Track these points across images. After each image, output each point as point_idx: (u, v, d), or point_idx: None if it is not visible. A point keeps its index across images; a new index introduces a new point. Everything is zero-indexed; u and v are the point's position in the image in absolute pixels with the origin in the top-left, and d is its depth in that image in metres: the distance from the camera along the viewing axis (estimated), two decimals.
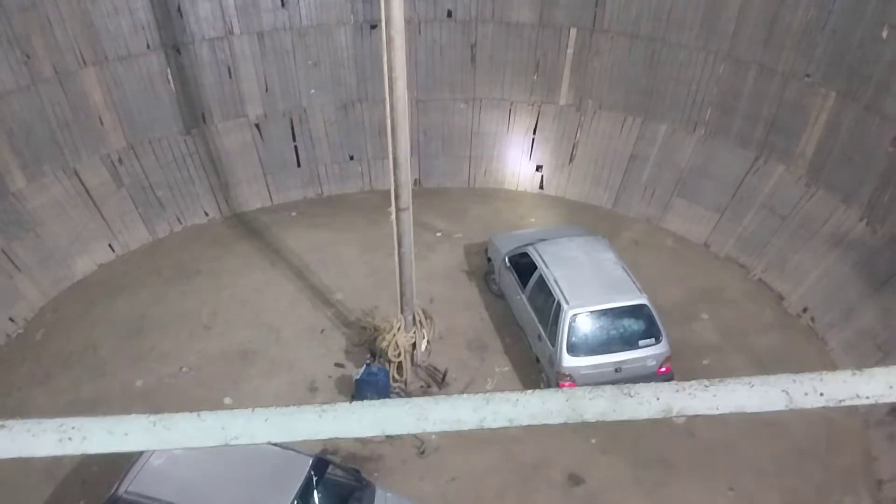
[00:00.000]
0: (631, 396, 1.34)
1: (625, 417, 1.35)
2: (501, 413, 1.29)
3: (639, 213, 14.32)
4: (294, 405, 1.34)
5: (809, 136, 12.41)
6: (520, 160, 15.38)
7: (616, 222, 14.13)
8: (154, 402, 10.54)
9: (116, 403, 10.55)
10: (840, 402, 1.32)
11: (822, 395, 1.32)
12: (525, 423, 1.31)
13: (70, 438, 1.25)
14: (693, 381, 1.40)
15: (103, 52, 12.82)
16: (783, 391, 1.33)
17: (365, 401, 1.35)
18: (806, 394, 1.32)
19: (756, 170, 13.14)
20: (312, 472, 7.90)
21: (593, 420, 1.34)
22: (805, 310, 11.99)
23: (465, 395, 1.31)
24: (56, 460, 9.50)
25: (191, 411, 1.32)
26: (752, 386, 1.35)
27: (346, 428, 1.26)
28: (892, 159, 11.22)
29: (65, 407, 10.47)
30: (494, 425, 1.29)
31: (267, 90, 14.50)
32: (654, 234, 13.92)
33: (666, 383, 1.41)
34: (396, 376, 10.72)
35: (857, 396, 1.34)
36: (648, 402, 1.34)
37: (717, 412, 1.33)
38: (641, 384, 1.39)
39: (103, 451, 1.26)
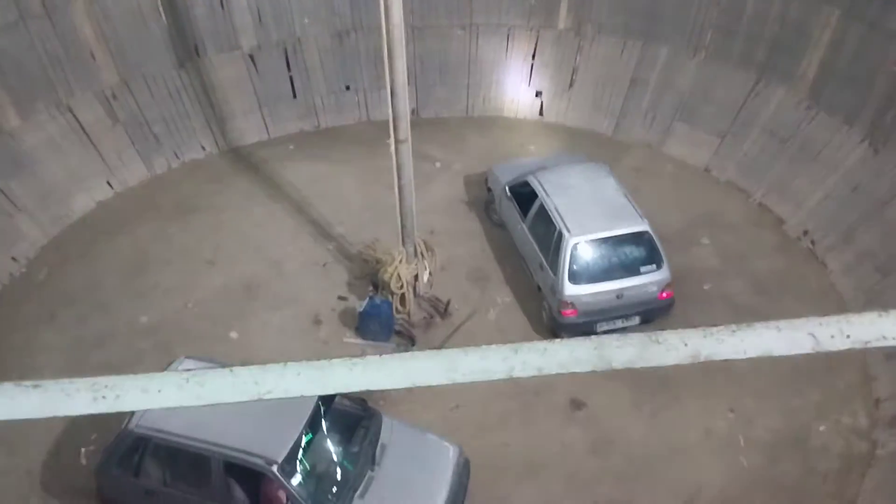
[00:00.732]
0: (659, 343, 1.35)
1: (653, 364, 1.36)
2: (530, 362, 1.30)
3: (639, 138, 14.20)
4: (325, 359, 1.35)
5: (811, 58, 12.23)
6: (519, 87, 15.16)
7: (617, 149, 14.02)
8: (160, 338, 10.66)
9: (122, 340, 10.68)
10: (866, 343, 1.33)
11: (848, 337, 1.34)
12: (554, 371, 1.33)
13: (104, 397, 1.27)
14: (721, 326, 1.41)
15: None
16: (809, 334, 1.34)
17: (395, 353, 1.36)
18: (832, 336, 1.34)
19: (757, 93, 12.98)
20: (320, 403, 8.06)
21: (621, 367, 1.35)
22: (805, 233, 12.02)
23: (493, 346, 1.32)
24: None
25: (220, 363, 1.32)
26: (780, 330, 1.36)
27: (377, 380, 1.28)
28: None
29: (72, 344, 10.61)
30: (523, 374, 1.31)
31: (260, 20, 14.18)
32: (655, 160, 13.83)
33: (693, 329, 1.42)
34: (399, 308, 10.81)
35: (884, 338, 1.35)
36: (676, 348, 1.35)
37: (744, 356, 1.34)
38: (669, 331, 1.40)
39: (137, 409, 1.27)
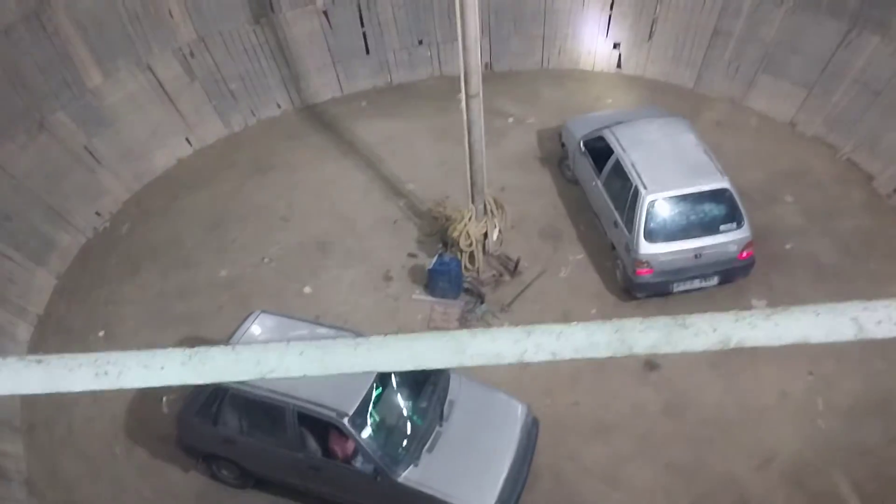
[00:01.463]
0: (685, 327, 1.25)
1: (679, 350, 1.27)
2: (543, 346, 1.24)
3: (721, 91, 13.65)
4: (329, 339, 1.32)
5: None
6: (596, 38, 14.72)
7: (697, 102, 13.52)
8: (239, 291, 10.95)
9: (203, 293, 11.01)
10: None
11: None
12: (568, 356, 1.26)
13: (106, 373, 1.27)
14: (754, 311, 1.30)
15: None
16: (853, 319, 1.22)
17: (399, 334, 1.32)
18: (879, 322, 1.21)
19: (848, 43, 12.25)
20: None
21: (643, 353, 1.27)
22: None
23: (504, 328, 1.26)
24: None
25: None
26: (818, 315, 1.24)
27: (382, 361, 1.24)
28: None
29: (154, 296, 11.02)
30: (535, 359, 1.24)
31: None
32: (738, 114, 13.29)
33: (724, 313, 1.31)
34: (468, 265, 10.79)
35: None
36: (705, 333, 1.25)
37: (778, 343, 1.24)
38: (696, 315, 1.30)
39: (140, 386, 1.28)
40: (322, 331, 8.69)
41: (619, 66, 14.66)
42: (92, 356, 1.27)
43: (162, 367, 1.27)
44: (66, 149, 12.03)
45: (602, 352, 1.28)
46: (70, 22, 11.97)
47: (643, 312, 10.12)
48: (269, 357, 1.24)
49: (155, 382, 1.28)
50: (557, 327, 1.26)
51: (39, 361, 1.28)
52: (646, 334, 1.26)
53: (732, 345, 1.26)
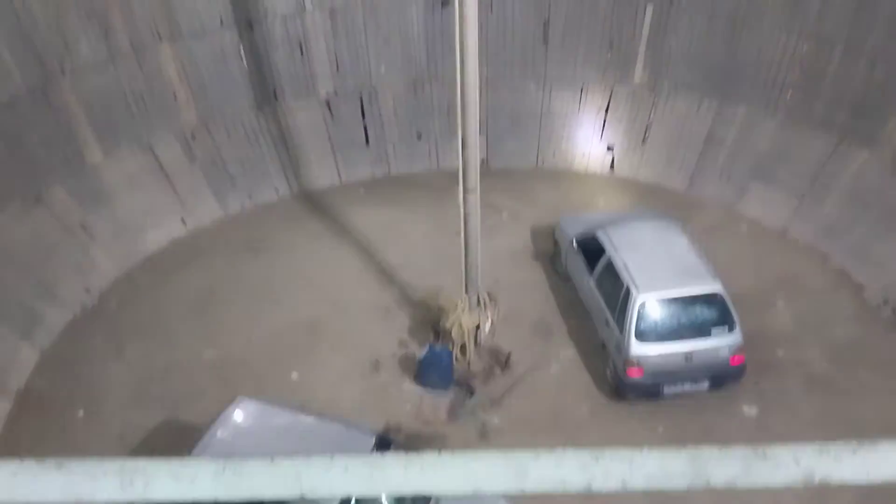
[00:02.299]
0: (766, 459, 1.18)
1: (759, 484, 1.20)
2: (613, 473, 1.16)
3: (714, 196, 13.87)
4: (377, 455, 1.23)
5: None
6: (590, 141, 15.04)
7: (690, 206, 13.71)
8: (223, 375, 10.73)
9: (186, 375, 10.78)
10: None
11: None
12: (640, 485, 1.18)
13: (132, 483, 1.17)
14: (839, 443, 1.23)
15: (178, 28, 12.97)
16: None
17: (457, 451, 1.23)
18: None
19: (838, 154, 12.55)
20: (376, 452, 7.92)
21: (721, 486, 1.20)
22: (886, 301, 11.47)
23: (570, 451, 1.18)
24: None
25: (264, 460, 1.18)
26: None
27: (434, 482, 1.16)
28: None
29: (137, 377, 10.78)
30: (604, 488, 1.17)
31: (338, 68, 14.48)
32: (730, 219, 13.46)
33: (806, 444, 1.24)
34: (459, 357, 10.66)
35: None
36: (786, 466, 1.18)
37: (866, 480, 1.17)
38: (779, 446, 1.23)
39: (169, 499, 1.19)
40: (307, 420, 8.47)
41: (612, 168, 14.93)
42: (117, 463, 1.18)
43: (192, 480, 1.18)
44: (60, 223, 12.00)
45: (677, 482, 1.20)
46: (76, 99, 12.13)
47: (635, 413, 9.98)
48: (310, 472, 1.15)
49: (184, 496, 1.19)
50: (628, 453, 1.18)
51: (60, 467, 1.18)
52: (724, 465, 1.18)
53: (817, 480, 1.19)
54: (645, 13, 13.88)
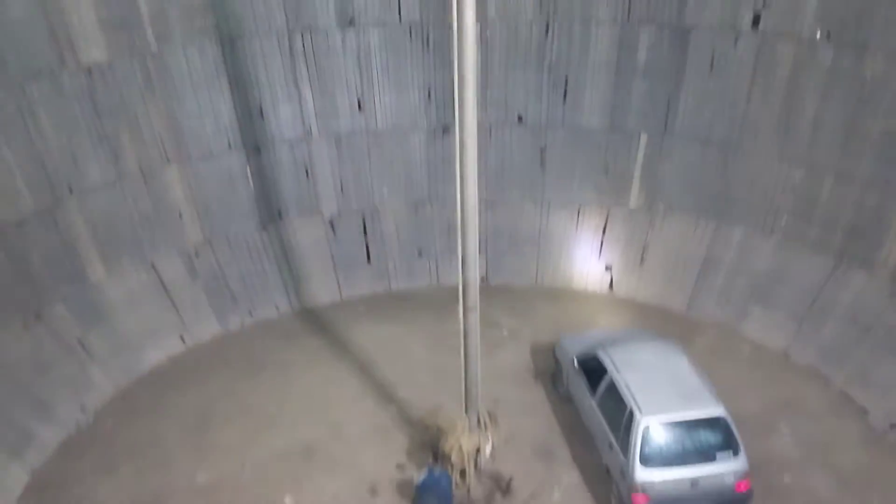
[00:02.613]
0: None
1: None
2: None
3: (714, 318, 13.91)
4: None
5: (892, 245, 11.97)
6: (588, 260, 15.23)
7: (690, 327, 13.73)
8: (216, 498, 10.49)
9: (178, 498, 10.53)
10: None
11: None
12: None
13: None
14: None
15: (187, 151, 13.37)
16: None
17: None
18: None
19: (836, 277, 12.68)
20: None
21: None
22: (892, 426, 11.32)
23: None
24: None
25: None
26: None
27: None
28: None
29: (128, 500, 10.48)
30: None
31: (342, 190, 14.85)
32: (730, 341, 13.45)
33: None
34: (459, 482, 10.40)
35: None
36: None
37: None
38: None
39: None
40: None
41: (611, 287, 15.05)
42: None
43: None
44: (59, 341, 11.99)
45: None
46: (82, 218, 12.34)
47: None
48: None
49: None
50: None
51: None
52: None
53: None
54: (639, 140, 14.35)
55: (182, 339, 13.52)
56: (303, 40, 13.67)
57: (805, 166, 12.85)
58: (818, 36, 12.14)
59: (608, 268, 15.11)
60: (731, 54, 13.04)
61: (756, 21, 12.64)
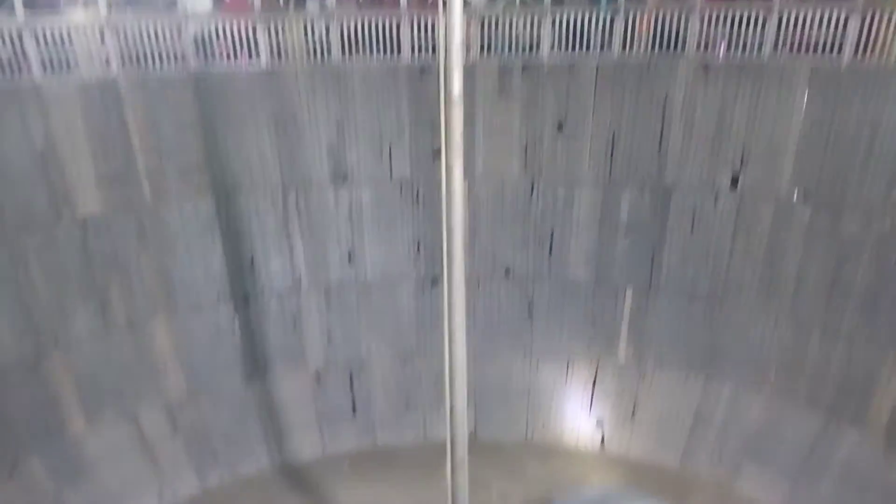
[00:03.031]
0: None
1: None
2: None
3: (708, 475, 13.54)
4: None
5: (882, 401, 11.88)
6: (579, 414, 14.98)
7: (684, 485, 13.33)
8: None
9: None
10: None
11: None
12: None
13: None
14: None
15: (175, 302, 13.40)
16: None
17: None
18: None
19: (828, 434, 12.48)
20: None
21: None
22: None
23: None
24: None
25: None
26: None
27: None
28: None
29: None
30: None
31: (329, 341, 14.79)
32: (725, 499, 13.02)
33: None
34: None
35: None
36: None
37: None
38: None
39: None
40: None
41: (602, 443, 14.73)
42: None
43: None
44: (33, 500, 11.47)
45: None
46: (66, 369, 12.19)
47: None
48: None
49: None
50: None
51: None
52: None
53: None
54: (625, 294, 14.51)
55: (159, 495, 12.99)
56: (297, 195, 14.05)
57: (791, 321, 12.95)
58: (795, 196, 12.60)
59: (599, 423, 14.85)
60: (711, 212, 13.45)
61: (735, 182, 13.14)
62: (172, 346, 13.45)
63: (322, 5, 13.90)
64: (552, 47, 13.65)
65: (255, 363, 14.32)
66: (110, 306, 12.64)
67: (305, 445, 14.53)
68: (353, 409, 14.94)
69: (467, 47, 13.31)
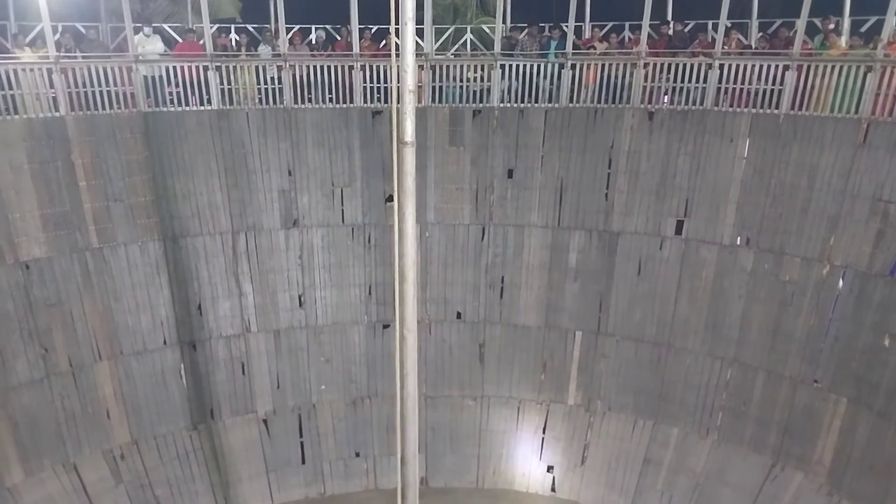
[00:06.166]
0: None
1: None
2: None
3: None
4: None
5: (825, 443, 12.13)
6: (530, 459, 14.96)
7: None
8: None
9: None
10: None
11: None
12: None
13: None
14: None
15: (119, 347, 13.10)
16: None
17: None
18: None
19: (774, 477, 12.67)
20: None
21: None
22: None
23: None
24: None
25: None
26: None
27: None
28: None
29: None
30: None
31: (278, 386, 14.58)
32: None
33: None
34: None
35: None
36: None
37: None
38: None
39: None
40: None
41: (553, 489, 14.72)
42: None
43: None
44: None
45: None
46: (3, 418, 11.77)
47: None
48: None
49: None
50: None
51: None
52: None
53: None
54: (574, 338, 14.64)
55: None
56: (246, 238, 13.94)
57: (736, 365, 13.20)
58: (738, 242, 12.95)
59: (550, 468, 14.84)
60: (657, 258, 13.72)
61: (679, 228, 13.45)
62: (116, 392, 13.10)
63: (274, 49, 13.99)
64: (502, 96, 13.92)
65: (202, 410, 14.02)
66: (52, 351, 12.30)
67: (253, 495, 14.20)
68: (302, 458, 14.68)
69: (419, 94, 13.50)
